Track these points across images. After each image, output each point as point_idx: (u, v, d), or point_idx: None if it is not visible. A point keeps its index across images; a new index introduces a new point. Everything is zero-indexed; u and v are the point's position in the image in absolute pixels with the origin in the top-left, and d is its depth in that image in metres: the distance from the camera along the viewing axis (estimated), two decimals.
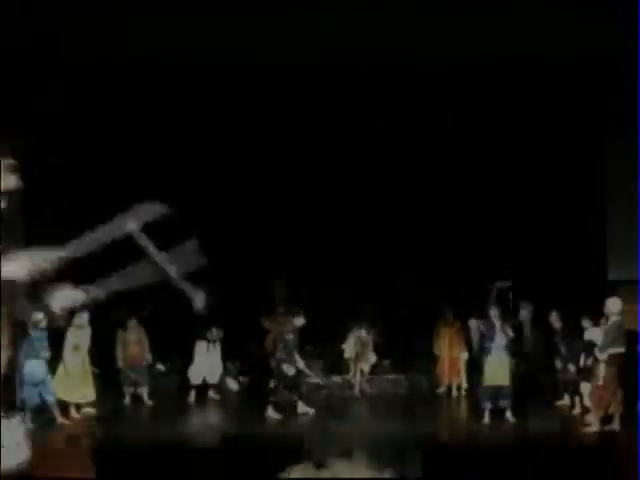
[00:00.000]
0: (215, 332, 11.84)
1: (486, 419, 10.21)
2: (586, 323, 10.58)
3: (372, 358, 12.46)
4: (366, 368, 12.44)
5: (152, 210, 3.97)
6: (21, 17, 8.86)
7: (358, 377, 12.37)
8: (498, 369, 10.21)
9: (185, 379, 12.06)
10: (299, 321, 11.04)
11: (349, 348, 12.37)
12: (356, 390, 12.32)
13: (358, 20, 8.75)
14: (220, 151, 12.61)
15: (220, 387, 12.31)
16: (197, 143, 12.58)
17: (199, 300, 4.03)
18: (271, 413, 10.56)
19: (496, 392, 10.20)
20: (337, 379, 12.75)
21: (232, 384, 12.76)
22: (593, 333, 10.39)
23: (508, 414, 10.24)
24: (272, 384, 10.73)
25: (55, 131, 11.54)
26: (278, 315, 12.34)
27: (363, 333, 12.29)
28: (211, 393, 12.07)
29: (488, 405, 10.20)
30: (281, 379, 10.72)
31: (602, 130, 11.16)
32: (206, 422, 11.23)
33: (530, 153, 12.51)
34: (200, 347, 11.89)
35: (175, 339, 12.72)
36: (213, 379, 12.00)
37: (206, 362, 11.85)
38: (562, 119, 11.32)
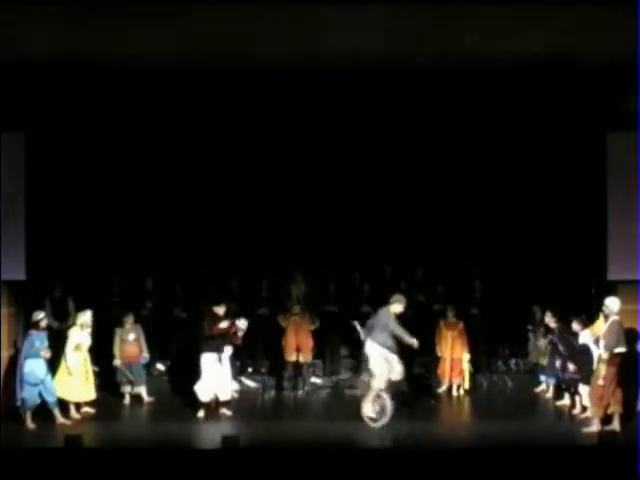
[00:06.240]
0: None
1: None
2: (576, 326, 10.59)
3: None
4: None
5: None
6: None
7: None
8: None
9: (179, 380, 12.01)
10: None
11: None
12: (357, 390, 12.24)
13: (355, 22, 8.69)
14: (228, 155, 12.64)
15: None
16: (199, 145, 12.59)
17: None
18: None
19: None
20: (336, 379, 12.74)
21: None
22: (585, 336, 10.41)
23: None
24: None
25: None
26: (294, 314, 12.38)
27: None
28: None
29: None
30: None
31: (602, 129, 11.15)
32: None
33: (529, 152, 12.51)
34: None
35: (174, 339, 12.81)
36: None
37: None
38: (562, 118, 11.31)
